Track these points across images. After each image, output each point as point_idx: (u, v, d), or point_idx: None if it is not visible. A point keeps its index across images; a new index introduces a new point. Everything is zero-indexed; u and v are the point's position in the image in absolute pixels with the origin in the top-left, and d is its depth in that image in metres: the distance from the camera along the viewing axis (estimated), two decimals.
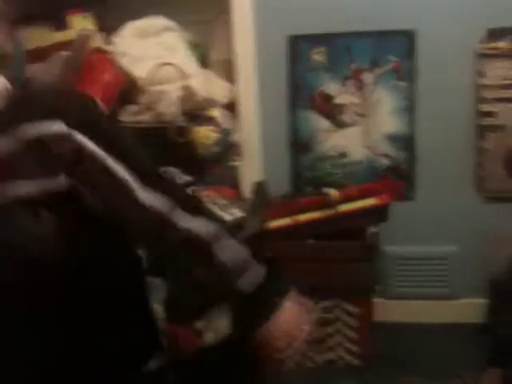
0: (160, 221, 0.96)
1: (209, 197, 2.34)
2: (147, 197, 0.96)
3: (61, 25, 2.50)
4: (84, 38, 2.42)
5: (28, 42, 2.48)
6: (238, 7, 2.57)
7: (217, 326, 2.04)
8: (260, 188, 2.58)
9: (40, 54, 2.46)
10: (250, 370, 1.84)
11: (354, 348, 2.41)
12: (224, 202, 2.32)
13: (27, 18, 2.47)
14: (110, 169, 0.93)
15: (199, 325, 2.04)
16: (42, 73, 2.37)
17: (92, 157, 0.91)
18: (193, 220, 0.98)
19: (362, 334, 2.39)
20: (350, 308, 2.39)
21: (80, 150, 0.90)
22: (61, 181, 0.90)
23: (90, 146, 0.91)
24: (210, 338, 2.04)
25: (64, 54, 2.39)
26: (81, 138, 0.90)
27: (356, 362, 2.41)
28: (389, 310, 2.70)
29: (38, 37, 2.50)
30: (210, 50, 2.74)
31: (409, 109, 2.67)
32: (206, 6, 2.63)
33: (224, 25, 2.63)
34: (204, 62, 2.68)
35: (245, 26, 2.59)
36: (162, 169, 2.34)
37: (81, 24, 2.49)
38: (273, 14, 2.64)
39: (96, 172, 0.92)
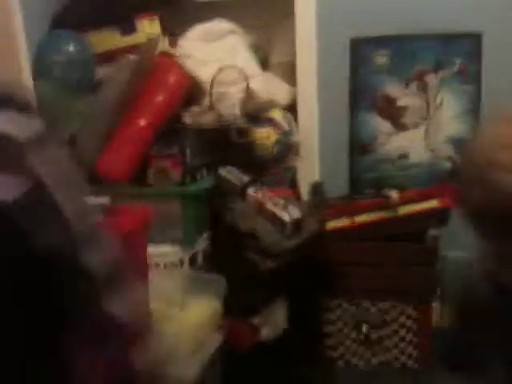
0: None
1: (268, 197, 2.36)
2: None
3: (129, 28, 2.59)
4: (152, 42, 2.50)
5: (96, 46, 2.59)
6: (301, 10, 2.59)
7: (274, 321, 2.06)
8: (318, 189, 2.58)
9: (108, 58, 2.56)
10: (306, 366, 1.85)
11: (412, 351, 2.38)
12: (282, 202, 2.34)
13: (96, 22, 2.57)
14: (54, 200, 0.83)
15: (256, 320, 2.07)
16: (110, 76, 2.47)
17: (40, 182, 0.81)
18: None
19: (420, 338, 2.35)
20: (409, 311, 2.35)
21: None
22: (19, 184, 0.76)
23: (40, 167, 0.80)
24: (267, 333, 2.06)
25: (132, 57, 2.48)
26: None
27: (413, 364, 2.38)
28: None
29: (107, 40, 2.60)
30: (272, 53, 2.77)
31: (473, 112, 2.62)
32: (269, 10, 2.67)
33: (286, 27, 2.65)
34: (265, 64, 2.72)
35: (307, 29, 2.60)
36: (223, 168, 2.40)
37: (148, 28, 2.58)
38: (335, 17, 2.63)
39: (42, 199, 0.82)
